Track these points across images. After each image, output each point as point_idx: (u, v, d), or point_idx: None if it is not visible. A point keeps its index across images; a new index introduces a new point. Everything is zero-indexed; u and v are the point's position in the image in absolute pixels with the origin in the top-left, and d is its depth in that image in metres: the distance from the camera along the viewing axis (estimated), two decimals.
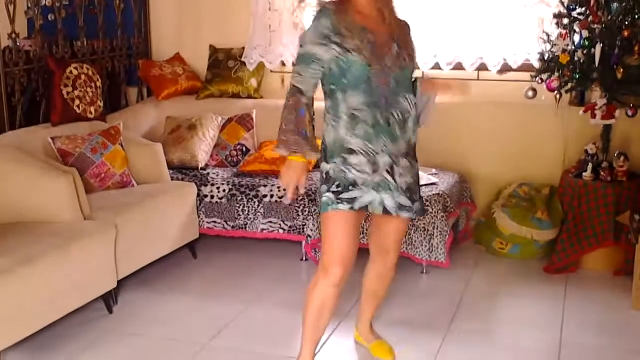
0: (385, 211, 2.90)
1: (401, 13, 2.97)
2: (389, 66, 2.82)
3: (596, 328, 3.68)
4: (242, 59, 5.32)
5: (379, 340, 3.40)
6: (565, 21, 4.30)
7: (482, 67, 4.90)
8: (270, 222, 4.52)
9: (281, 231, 4.52)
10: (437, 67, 4.98)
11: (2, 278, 3.12)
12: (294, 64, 2.95)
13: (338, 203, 2.86)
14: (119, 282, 3.89)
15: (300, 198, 4.44)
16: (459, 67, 4.93)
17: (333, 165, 2.90)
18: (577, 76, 4.23)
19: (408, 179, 2.93)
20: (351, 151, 2.85)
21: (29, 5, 4.74)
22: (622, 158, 4.32)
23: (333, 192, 2.88)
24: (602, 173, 4.32)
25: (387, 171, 2.87)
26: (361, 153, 2.84)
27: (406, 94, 2.88)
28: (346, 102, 2.83)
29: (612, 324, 3.74)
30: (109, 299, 3.87)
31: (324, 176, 2.93)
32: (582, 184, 4.32)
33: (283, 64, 5.36)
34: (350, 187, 2.86)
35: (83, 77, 4.68)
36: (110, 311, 3.86)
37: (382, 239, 3.12)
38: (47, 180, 3.79)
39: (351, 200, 2.86)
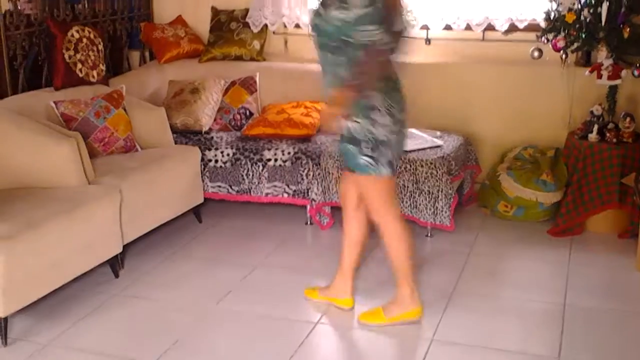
0: None
1: None
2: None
3: (600, 290, 3.69)
4: (247, 20, 5.27)
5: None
6: None
7: (489, 27, 4.85)
8: (275, 186, 4.52)
9: (285, 195, 4.52)
10: (447, 28, 4.93)
11: (8, 243, 3.13)
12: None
13: None
14: (124, 246, 3.90)
15: (304, 162, 4.44)
16: (466, 27, 4.88)
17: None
18: (583, 35, 4.19)
19: None
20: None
21: None
22: (627, 119, 4.29)
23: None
24: (608, 134, 4.29)
25: None
26: None
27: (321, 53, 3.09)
28: None
29: (616, 286, 3.75)
30: (115, 264, 3.89)
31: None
32: (588, 146, 4.29)
33: (285, 26, 5.32)
34: None
35: (85, 40, 4.64)
36: (117, 275, 3.89)
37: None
38: (50, 145, 3.78)
39: None
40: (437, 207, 4.22)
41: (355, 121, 3.05)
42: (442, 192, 4.19)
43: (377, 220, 3.27)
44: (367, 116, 3.03)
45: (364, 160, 3.09)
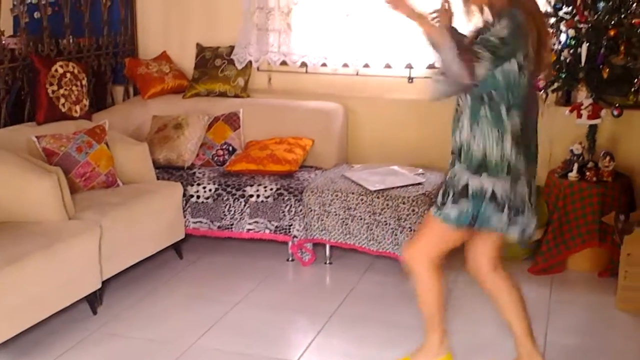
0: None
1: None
2: None
3: (581, 329, 3.70)
4: (232, 56, 5.30)
5: None
6: (552, 20, 4.30)
7: None
8: (256, 222, 4.51)
9: (267, 231, 4.51)
10: (431, 67, 4.95)
11: None
12: None
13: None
14: (103, 282, 3.87)
15: (287, 198, 4.44)
16: None
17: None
18: (563, 75, 4.24)
19: None
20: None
21: (15, 3, 4.70)
22: (607, 158, 4.33)
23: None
24: (588, 173, 4.32)
25: None
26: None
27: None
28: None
29: (596, 324, 3.75)
30: (93, 300, 3.85)
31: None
32: (568, 184, 4.32)
33: (269, 63, 5.36)
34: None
35: (68, 75, 4.65)
36: (95, 312, 3.84)
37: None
38: (31, 180, 3.76)
39: None
40: None
41: (488, 176, 2.85)
42: None
43: (411, 264, 3.10)
44: (498, 173, 2.84)
45: (500, 219, 2.86)
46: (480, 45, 2.71)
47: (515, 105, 2.80)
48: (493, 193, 2.83)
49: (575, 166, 4.36)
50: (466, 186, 2.87)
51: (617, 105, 4.24)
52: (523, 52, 2.73)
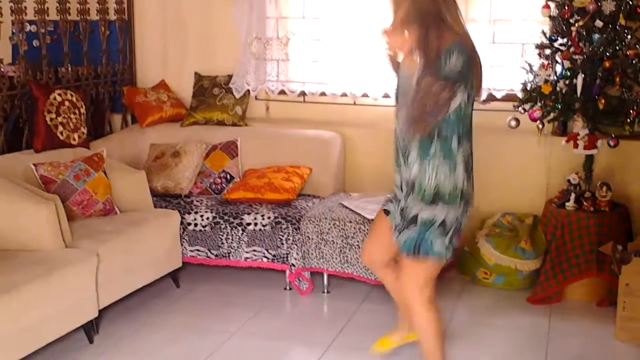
0: None
1: None
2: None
3: (580, 358, 3.68)
4: (230, 85, 5.33)
5: None
6: (547, 52, 4.34)
7: None
8: (254, 250, 4.50)
9: (265, 260, 4.50)
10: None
11: None
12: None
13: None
14: (100, 311, 3.84)
15: (284, 227, 4.43)
16: None
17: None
18: (559, 106, 4.26)
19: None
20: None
21: (14, 31, 4.74)
22: (604, 188, 4.34)
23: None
24: (585, 203, 4.34)
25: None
26: None
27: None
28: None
29: (595, 354, 3.74)
30: (90, 329, 3.82)
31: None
32: (565, 214, 4.33)
33: (266, 92, 5.39)
34: None
35: (67, 103, 4.67)
36: (91, 341, 3.81)
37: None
38: (28, 208, 3.75)
39: None
40: None
41: (442, 206, 2.91)
42: None
43: (411, 303, 3.09)
44: (453, 202, 2.91)
45: (443, 243, 2.93)
46: (450, 79, 2.77)
47: (465, 134, 2.93)
48: (443, 221, 2.91)
49: (573, 196, 4.38)
50: (416, 216, 2.93)
51: (613, 135, 4.26)
52: (471, 82, 2.86)
